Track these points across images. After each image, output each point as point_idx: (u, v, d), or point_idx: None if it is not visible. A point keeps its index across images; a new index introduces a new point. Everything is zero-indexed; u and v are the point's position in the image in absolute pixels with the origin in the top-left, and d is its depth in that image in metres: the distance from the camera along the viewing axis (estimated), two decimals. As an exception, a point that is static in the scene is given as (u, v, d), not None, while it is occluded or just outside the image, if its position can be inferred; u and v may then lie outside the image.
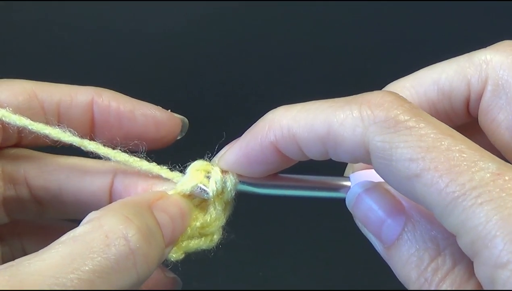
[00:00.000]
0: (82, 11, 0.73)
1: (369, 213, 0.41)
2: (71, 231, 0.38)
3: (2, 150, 0.47)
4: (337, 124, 0.38)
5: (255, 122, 0.45)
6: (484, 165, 0.35)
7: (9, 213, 0.48)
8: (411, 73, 0.48)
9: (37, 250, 0.36)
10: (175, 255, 0.45)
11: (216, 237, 0.47)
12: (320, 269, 0.77)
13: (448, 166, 0.35)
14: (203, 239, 0.47)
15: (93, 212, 0.40)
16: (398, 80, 0.47)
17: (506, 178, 0.34)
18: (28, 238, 0.50)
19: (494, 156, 0.36)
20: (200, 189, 0.46)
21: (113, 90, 0.49)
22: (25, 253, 0.42)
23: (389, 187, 0.41)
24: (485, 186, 0.34)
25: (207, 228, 0.47)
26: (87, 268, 0.35)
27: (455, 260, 0.37)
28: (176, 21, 0.74)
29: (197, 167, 0.46)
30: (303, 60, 0.74)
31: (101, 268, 0.35)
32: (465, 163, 0.35)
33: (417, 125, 0.36)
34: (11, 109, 0.44)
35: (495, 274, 0.33)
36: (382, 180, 0.40)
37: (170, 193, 0.45)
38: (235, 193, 0.46)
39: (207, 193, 0.46)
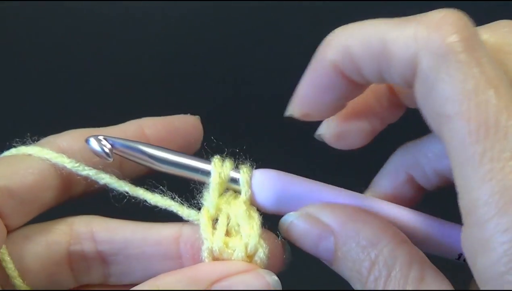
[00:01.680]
0: (81, 10, 0.72)
1: (303, 239, 0.42)
2: None
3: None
4: (391, 41, 0.37)
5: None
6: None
7: (75, 274, 0.48)
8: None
9: None
10: None
11: (262, 252, 0.45)
12: (320, 269, 0.77)
13: (479, 123, 0.34)
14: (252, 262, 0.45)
15: (155, 278, 0.42)
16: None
17: None
18: None
19: None
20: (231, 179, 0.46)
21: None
22: None
23: (313, 211, 0.42)
24: (501, 160, 0.33)
25: (249, 246, 0.45)
26: None
27: (388, 267, 0.38)
28: (176, 21, 0.74)
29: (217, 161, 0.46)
30: (303, 60, 0.74)
31: None
32: (494, 125, 0.33)
33: (468, 62, 0.34)
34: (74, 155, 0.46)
35: (478, 256, 0.33)
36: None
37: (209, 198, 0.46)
38: None
39: (237, 180, 0.46)
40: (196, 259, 0.46)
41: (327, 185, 0.46)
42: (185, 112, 0.51)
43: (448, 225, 0.45)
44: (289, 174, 0.45)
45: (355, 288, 0.40)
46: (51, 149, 0.46)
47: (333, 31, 0.40)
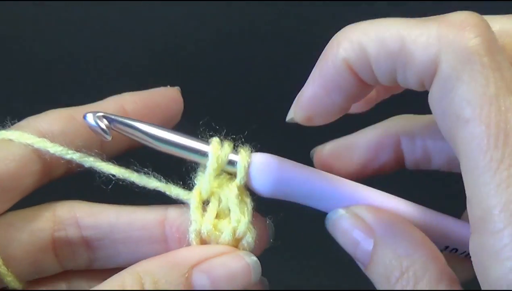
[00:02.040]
0: (81, 10, 0.73)
1: (345, 237, 0.43)
2: (103, 283, 0.40)
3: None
4: (410, 40, 0.36)
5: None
6: None
7: (61, 260, 0.48)
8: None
9: None
10: None
11: (250, 236, 0.45)
12: (319, 268, 0.77)
13: (498, 130, 0.33)
14: (240, 247, 0.45)
15: (136, 264, 0.42)
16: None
17: None
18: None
19: None
20: (230, 161, 0.45)
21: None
22: None
23: (359, 212, 0.43)
24: None
25: (238, 231, 0.45)
26: None
27: (416, 278, 0.38)
28: (175, 20, 0.74)
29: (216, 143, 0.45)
30: (303, 60, 0.73)
31: None
32: None
33: (489, 66, 0.34)
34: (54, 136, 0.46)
35: (491, 265, 0.33)
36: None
37: (203, 175, 0.45)
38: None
39: (234, 163, 0.45)
40: (182, 242, 0.46)
41: (325, 173, 0.45)
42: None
43: (435, 215, 0.45)
44: (288, 159, 0.45)
45: None
46: (31, 132, 0.45)
47: (343, 29, 0.39)
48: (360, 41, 0.37)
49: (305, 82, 0.42)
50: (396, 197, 0.45)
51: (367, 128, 0.49)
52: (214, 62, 0.74)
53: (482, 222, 0.33)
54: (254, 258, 0.45)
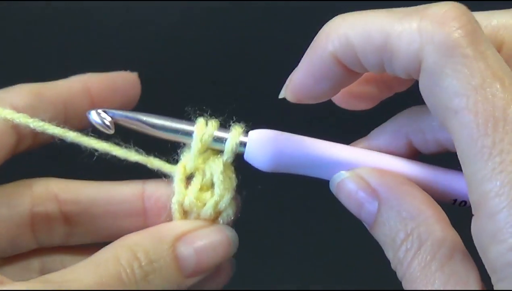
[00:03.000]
0: (81, 9, 0.74)
1: (349, 198, 0.43)
2: (95, 254, 0.42)
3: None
4: (394, 35, 0.36)
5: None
6: None
7: (37, 236, 0.48)
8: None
9: None
10: None
11: (231, 211, 0.47)
12: (319, 268, 0.76)
13: (486, 116, 0.34)
14: (220, 219, 0.47)
15: (122, 238, 0.44)
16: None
17: None
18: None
19: None
20: (216, 137, 0.46)
21: None
22: None
23: (363, 174, 0.43)
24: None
25: (220, 204, 0.47)
26: None
27: (420, 241, 0.39)
28: (173, 19, 0.75)
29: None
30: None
31: (101, 288, 0.40)
32: (502, 118, 0.34)
33: (473, 57, 0.35)
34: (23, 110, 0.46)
35: (490, 245, 0.34)
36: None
37: (189, 153, 0.46)
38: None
39: (223, 140, 0.46)
40: (161, 215, 0.47)
41: (324, 141, 0.46)
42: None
43: (442, 170, 0.46)
44: (285, 132, 0.46)
45: (386, 254, 0.41)
46: (6, 107, 0.46)
47: (332, 20, 0.40)
48: (347, 35, 0.38)
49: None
50: (399, 157, 0.46)
51: (375, 134, 0.49)
52: (214, 61, 0.74)
53: (479, 206, 0.35)
54: (233, 231, 0.46)
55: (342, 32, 0.38)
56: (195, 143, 0.46)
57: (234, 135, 0.46)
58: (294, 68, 0.43)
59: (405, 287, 0.40)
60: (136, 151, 0.47)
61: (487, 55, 0.35)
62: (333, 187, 0.45)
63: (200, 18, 0.74)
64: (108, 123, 0.45)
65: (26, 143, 0.48)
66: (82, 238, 0.49)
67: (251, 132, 0.46)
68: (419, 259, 0.39)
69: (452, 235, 0.39)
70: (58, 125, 0.46)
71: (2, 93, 0.47)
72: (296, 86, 0.42)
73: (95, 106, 0.48)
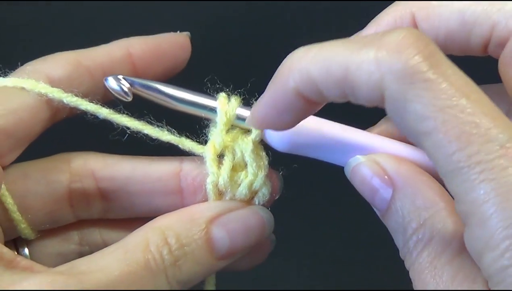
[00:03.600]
0: (81, 10, 0.73)
1: (363, 184, 0.43)
2: (126, 237, 0.42)
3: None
4: (354, 68, 0.36)
5: None
6: (495, 135, 0.34)
7: (75, 210, 0.48)
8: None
9: None
10: None
11: (266, 190, 0.47)
12: (320, 268, 0.77)
13: (458, 132, 0.34)
14: (256, 199, 0.47)
15: (155, 219, 0.44)
16: None
17: None
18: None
19: (508, 123, 0.35)
20: (239, 115, 0.46)
21: None
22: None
23: (379, 160, 0.43)
24: (490, 161, 0.34)
25: (254, 184, 0.46)
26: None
27: (432, 232, 0.39)
28: (175, 21, 0.75)
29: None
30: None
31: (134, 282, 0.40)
32: (475, 131, 0.34)
33: (435, 79, 0.35)
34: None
35: (483, 253, 0.34)
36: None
37: (217, 129, 0.46)
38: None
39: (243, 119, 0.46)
40: (198, 194, 0.47)
41: (341, 124, 0.46)
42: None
43: None
44: None
45: (396, 242, 0.41)
46: (40, 79, 0.45)
47: (292, 54, 0.39)
48: (308, 69, 0.38)
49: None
50: (416, 148, 0.45)
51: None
52: (215, 61, 0.75)
53: (469, 217, 0.34)
54: (268, 213, 0.46)
55: (303, 66, 0.38)
56: (220, 118, 0.46)
57: None
58: None
59: (412, 276, 0.39)
60: (168, 130, 0.46)
61: (448, 75, 0.35)
62: (348, 171, 0.44)
63: (200, 18, 0.74)
64: (126, 89, 0.45)
65: (62, 115, 0.48)
66: (120, 213, 0.49)
67: None
68: (429, 250, 0.39)
69: (463, 229, 0.39)
70: (92, 100, 0.46)
71: (39, 63, 0.47)
72: (260, 117, 0.42)
73: (138, 74, 0.48)
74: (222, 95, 0.46)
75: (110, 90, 0.45)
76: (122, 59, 0.48)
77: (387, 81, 0.35)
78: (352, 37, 0.46)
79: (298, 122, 0.42)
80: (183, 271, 0.42)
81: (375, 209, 0.43)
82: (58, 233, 0.49)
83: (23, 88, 0.45)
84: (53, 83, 0.46)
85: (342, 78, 0.37)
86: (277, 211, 0.48)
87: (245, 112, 0.46)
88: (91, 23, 0.74)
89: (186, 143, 0.46)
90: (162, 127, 0.46)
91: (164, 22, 0.74)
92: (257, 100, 0.43)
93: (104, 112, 0.46)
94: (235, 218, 0.45)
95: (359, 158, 0.44)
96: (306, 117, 0.42)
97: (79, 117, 0.48)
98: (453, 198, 0.36)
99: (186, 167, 0.47)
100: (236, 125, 0.47)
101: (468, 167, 0.34)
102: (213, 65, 0.72)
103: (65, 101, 0.45)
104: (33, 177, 0.46)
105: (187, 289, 0.43)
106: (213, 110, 0.46)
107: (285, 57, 0.40)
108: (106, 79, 0.45)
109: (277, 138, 0.45)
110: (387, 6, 0.49)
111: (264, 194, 0.46)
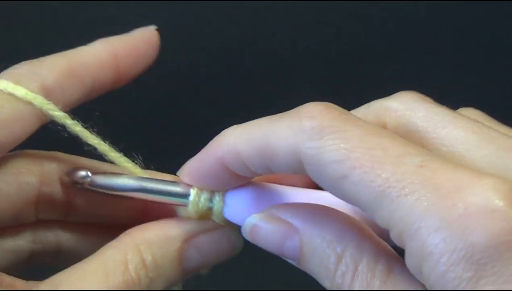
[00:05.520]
0: (82, 10, 0.74)
1: (267, 241, 0.43)
2: (105, 246, 0.43)
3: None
4: (272, 136, 0.39)
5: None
6: (408, 158, 0.35)
7: (38, 212, 0.48)
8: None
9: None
10: None
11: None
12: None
13: (371, 163, 0.35)
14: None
15: (131, 231, 0.44)
16: None
17: (431, 168, 0.35)
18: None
19: (420, 148, 0.37)
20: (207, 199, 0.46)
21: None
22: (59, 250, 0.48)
23: (275, 211, 0.43)
24: (409, 178, 0.34)
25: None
26: None
27: (355, 261, 0.39)
28: (174, 20, 0.75)
29: None
30: (303, 60, 0.74)
31: None
32: (389, 159, 0.35)
33: (342, 129, 0.37)
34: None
35: (421, 265, 0.34)
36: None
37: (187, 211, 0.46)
38: None
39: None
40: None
41: (292, 188, 0.46)
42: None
43: None
44: (254, 185, 0.46)
45: (323, 285, 0.41)
46: (35, 88, 0.45)
47: (226, 130, 0.42)
48: (235, 144, 0.40)
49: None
50: (319, 191, 0.45)
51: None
52: (216, 64, 0.75)
53: (402, 236, 0.35)
54: (240, 236, 0.46)
55: (231, 141, 0.41)
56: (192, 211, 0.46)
57: (219, 205, 0.45)
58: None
59: None
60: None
61: (356, 124, 0.37)
62: (246, 234, 0.44)
63: (200, 18, 0.75)
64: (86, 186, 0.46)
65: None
66: (81, 217, 0.49)
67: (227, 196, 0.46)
68: (360, 279, 0.38)
69: (384, 248, 0.39)
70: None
71: (36, 66, 0.46)
72: (187, 174, 0.45)
73: (120, 77, 0.48)
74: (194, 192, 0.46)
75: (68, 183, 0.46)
76: (109, 63, 0.48)
77: (300, 141, 0.38)
78: None
79: (222, 188, 0.45)
80: (154, 289, 0.43)
81: (289, 261, 0.42)
82: (11, 230, 0.48)
83: (14, 95, 0.44)
84: (47, 91, 0.45)
85: (263, 148, 0.39)
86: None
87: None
88: (92, 23, 0.74)
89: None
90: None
91: (164, 22, 0.74)
92: (190, 159, 0.44)
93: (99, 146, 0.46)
94: (209, 240, 0.46)
95: (255, 217, 0.43)
96: (232, 186, 0.45)
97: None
98: (388, 229, 0.36)
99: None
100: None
101: (388, 188, 0.35)
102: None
103: (52, 114, 0.45)
104: (3, 178, 0.46)
105: None
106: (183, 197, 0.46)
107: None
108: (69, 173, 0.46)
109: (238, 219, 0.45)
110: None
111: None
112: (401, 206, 0.34)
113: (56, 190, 0.48)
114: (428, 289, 0.35)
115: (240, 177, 0.43)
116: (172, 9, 0.74)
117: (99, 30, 0.72)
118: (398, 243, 0.36)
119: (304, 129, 0.38)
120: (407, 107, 0.44)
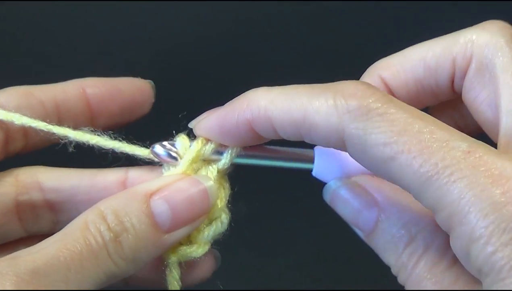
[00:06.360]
0: (82, 10, 0.74)
1: (345, 206, 0.44)
2: (68, 225, 0.42)
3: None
4: (312, 111, 0.39)
5: None
6: (455, 143, 0.36)
7: (24, 224, 0.49)
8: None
9: None
10: (200, 250, 0.47)
11: (225, 217, 0.47)
12: (320, 268, 0.78)
13: (420, 147, 0.36)
14: (214, 225, 0.47)
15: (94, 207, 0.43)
16: (386, 58, 0.49)
17: (477, 155, 0.36)
18: None
19: (464, 135, 0.38)
20: (213, 150, 0.47)
21: None
22: None
23: (360, 181, 0.44)
24: (457, 163, 0.36)
25: (213, 211, 0.47)
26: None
27: (427, 244, 0.40)
28: (174, 21, 0.75)
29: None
30: (302, 60, 0.74)
31: (73, 260, 0.39)
32: (436, 144, 0.36)
33: (388, 111, 0.38)
34: (12, 110, 0.46)
35: (469, 248, 0.35)
36: (342, 153, 0.44)
37: (179, 166, 0.47)
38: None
39: (221, 153, 0.46)
40: None
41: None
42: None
43: None
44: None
45: (385, 260, 0.42)
46: None
47: (255, 90, 0.42)
48: (267, 109, 0.41)
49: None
50: None
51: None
52: (215, 62, 0.75)
53: (449, 221, 0.36)
54: (211, 182, 0.46)
55: (263, 104, 0.41)
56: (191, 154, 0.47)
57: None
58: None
59: (409, 288, 0.41)
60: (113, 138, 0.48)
61: (401, 107, 0.38)
62: (327, 195, 0.45)
63: (199, 18, 0.74)
64: (174, 154, 0.47)
65: (17, 144, 0.48)
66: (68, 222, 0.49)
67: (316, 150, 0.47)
68: (426, 259, 0.40)
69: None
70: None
71: None
72: (205, 128, 0.45)
73: (93, 113, 0.49)
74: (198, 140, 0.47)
75: (157, 157, 0.47)
76: (76, 95, 0.49)
77: (345, 121, 0.38)
78: None
79: (237, 145, 0.45)
80: (125, 246, 0.42)
81: (357, 231, 0.44)
82: (8, 249, 0.49)
83: None
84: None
85: (300, 121, 0.40)
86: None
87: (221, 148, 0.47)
88: (91, 23, 0.74)
89: (127, 148, 0.47)
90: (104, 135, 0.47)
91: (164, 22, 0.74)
92: (210, 111, 0.45)
93: (57, 130, 0.47)
94: (175, 189, 0.44)
95: (338, 182, 0.45)
96: (246, 145, 0.45)
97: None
98: (432, 210, 0.37)
99: (132, 174, 0.49)
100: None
101: (437, 173, 0.36)
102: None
103: (42, 128, 0.46)
104: None
105: (139, 268, 0.43)
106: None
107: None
108: (152, 147, 0.47)
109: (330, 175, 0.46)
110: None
111: (222, 223, 0.47)
112: (449, 192, 0.35)
113: (35, 197, 0.48)
114: (475, 270, 0.36)
115: (261, 138, 0.43)
116: (170, 9, 0.74)
117: (99, 30, 0.73)
118: (443, 225, 0.37)
119: (350, 110, 0.38)
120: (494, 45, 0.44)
